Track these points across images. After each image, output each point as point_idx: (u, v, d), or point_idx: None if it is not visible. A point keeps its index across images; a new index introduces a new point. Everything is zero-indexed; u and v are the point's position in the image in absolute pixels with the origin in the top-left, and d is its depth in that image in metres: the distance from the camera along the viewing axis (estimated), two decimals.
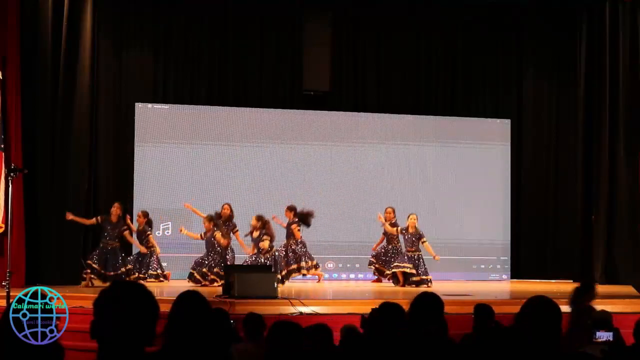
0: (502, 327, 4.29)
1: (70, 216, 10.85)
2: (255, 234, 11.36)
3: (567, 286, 12.25)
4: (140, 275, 11.39)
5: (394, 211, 11.97)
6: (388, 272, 11.80)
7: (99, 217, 11.14)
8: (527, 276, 13.44)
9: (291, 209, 11.72)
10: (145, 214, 11.72)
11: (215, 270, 11.30)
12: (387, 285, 11.98)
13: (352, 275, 13.07)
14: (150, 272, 11.54)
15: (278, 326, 4.47)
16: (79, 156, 11.40)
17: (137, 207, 12.18)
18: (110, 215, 11.10)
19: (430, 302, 4.12)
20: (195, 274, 11.37)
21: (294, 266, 11.49)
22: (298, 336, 4.38)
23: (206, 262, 11.38)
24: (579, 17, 13.49)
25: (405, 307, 4.21)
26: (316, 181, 12.99)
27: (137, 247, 11.64)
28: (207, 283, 11.23)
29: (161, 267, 11.74)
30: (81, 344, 6.02)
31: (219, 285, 10.79)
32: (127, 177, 12.50)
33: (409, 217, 11.85)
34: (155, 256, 11.61)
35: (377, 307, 4.51)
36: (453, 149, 13.55)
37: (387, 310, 4.37)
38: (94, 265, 10.86)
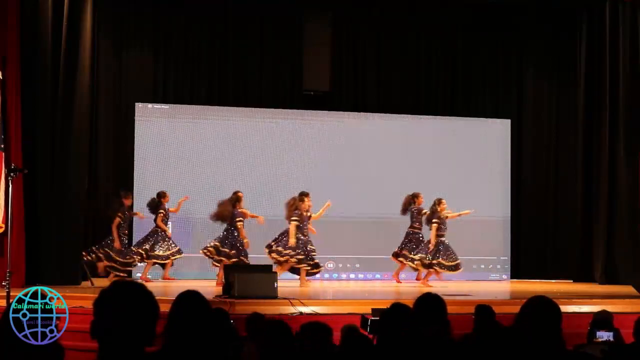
0: (502, 327, 4.30)
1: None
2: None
3: (567, 286, 12.32)
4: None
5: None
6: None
7: (123, 214, 11.32)
8: (527, 276, 13.45)
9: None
10: None
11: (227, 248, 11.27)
12: (387, 285, 11.99)
13: (352, 275, 13.07)
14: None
15: (268, 325, 4.49)
16: (79, 156, 11.38)
17: (137, 207, 12.19)
18: (125, 206, 11.44)
19: (433, 303, 4.14)
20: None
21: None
22: (288, 335, 4.38)
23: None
24: (579, 17, 13.48)
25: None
26: (316, 181, 12.97)
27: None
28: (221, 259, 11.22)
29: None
30: (81, 344, 6.02)
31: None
32: (127, 177, 12.50)
33: (441, 201, 11.86)
34: None
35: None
36: (453, 149, 13.55)
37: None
38: (117, 258, 11.03)
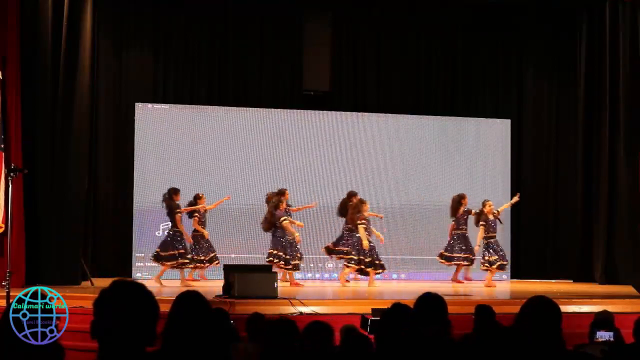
0: (502, 327, 4.30)
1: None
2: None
3: (567, 286, 12.32)
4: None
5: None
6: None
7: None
8: (527, 276, 13.44)
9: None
10: None
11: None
12: (387, 285, 11.98)
13: (352, 275, 13.04)
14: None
15: (272, 325, 4.48)
16: (79, 156, 11.39)
17: (137, 207, 12.20)
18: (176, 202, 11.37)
19: (433, 303, 4.14)
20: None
21: None
22: (293, 335, 4.38)
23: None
24: (579, 17, 13.49)
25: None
26: (316, 181, 12.97)
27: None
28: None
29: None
30: (81, 344, 6.03)
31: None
32: (127, 177, 12.50)
33: (487, 203, 11.92)
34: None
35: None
36: (453, 149, 13.54)
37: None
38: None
